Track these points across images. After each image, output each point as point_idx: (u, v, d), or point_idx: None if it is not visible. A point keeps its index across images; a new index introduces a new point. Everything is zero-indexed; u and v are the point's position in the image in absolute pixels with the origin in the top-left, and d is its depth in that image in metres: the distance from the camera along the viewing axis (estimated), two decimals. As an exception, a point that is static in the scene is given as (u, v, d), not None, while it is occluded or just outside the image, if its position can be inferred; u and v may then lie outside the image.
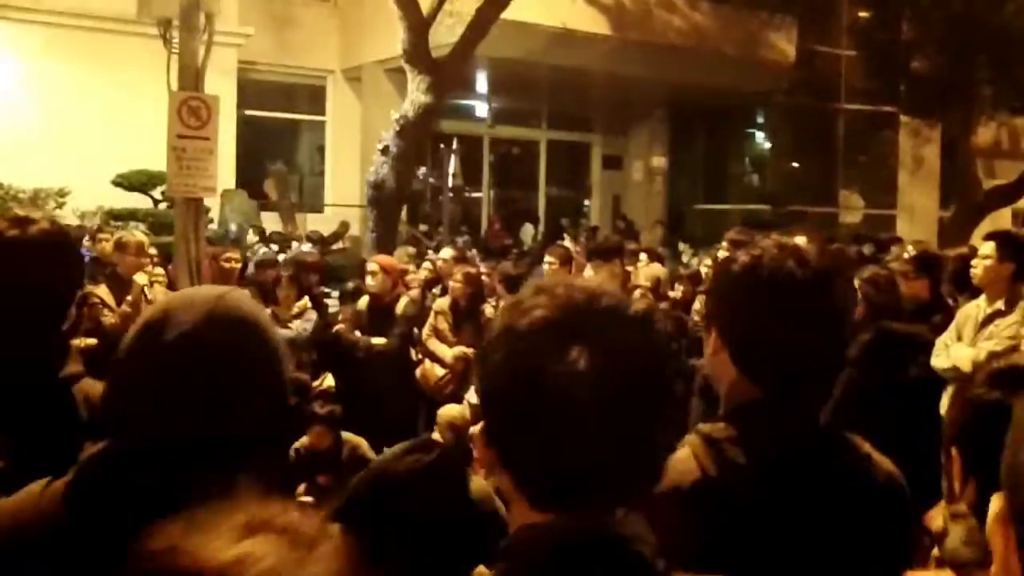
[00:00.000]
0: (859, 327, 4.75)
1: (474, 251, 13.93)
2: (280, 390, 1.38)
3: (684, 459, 1.62)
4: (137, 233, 7.56)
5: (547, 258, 7.22)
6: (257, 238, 11.55)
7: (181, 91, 9.58)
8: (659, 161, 22.05)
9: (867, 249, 10.88)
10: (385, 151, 10.88)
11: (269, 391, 1.36)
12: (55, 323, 2.17)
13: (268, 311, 1.49)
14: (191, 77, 9.64)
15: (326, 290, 10.32)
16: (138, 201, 14.57)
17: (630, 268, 6.93)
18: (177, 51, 9.72)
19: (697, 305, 6.27)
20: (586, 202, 23.03)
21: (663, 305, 6.66)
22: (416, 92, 10.79)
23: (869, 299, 4.74)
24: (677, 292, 7.37)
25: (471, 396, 5.60)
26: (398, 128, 10.78)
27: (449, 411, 4.62)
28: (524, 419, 1.11)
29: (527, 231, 20.48)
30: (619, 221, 20.92)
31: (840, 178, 20.96)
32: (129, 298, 6.89)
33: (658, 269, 7.70)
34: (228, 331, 1.34)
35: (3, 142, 14.31)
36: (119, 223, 14.51)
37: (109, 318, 6.77)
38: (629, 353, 1.12)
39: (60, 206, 15.02)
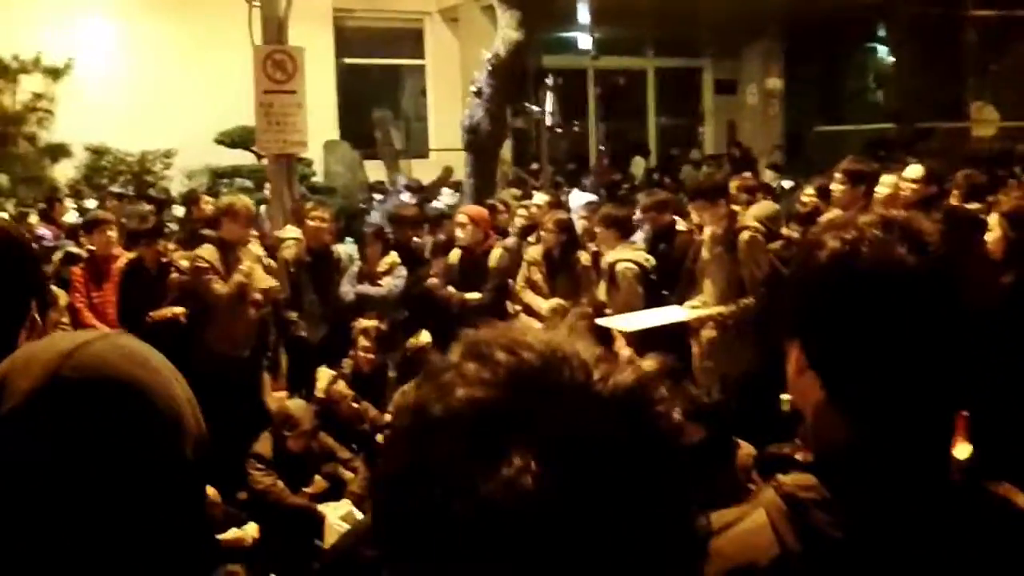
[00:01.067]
0: (999, 269, 4.13)
1: (602, 191, 13.36)
2: (163, 478, 0.98)
3: (758, 529, 1.18)
4: (245, 198, 7.22)
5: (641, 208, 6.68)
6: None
7: (265, 45, 9.34)
8: (774, 83, 21.07)
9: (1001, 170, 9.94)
10: (479, 93, 10.43)
11: (146, 480, 0.97)
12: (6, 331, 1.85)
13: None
14: (274, 30, 9.38)
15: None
16: (242, 158, 14.54)
17: (738, 208, 6.34)
18: (258, 3, 9.46)
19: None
20: (700, 129, 22.18)
21: (774, 245, 6.06)
22: (506, 28, 10.26)
23: (1009, 237, 4.11)
24: (793, 231, 6.77)
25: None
26: (490, 68, 10.30)
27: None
28: (438, 567, 0.69)
29: (638, 164, 19.79)
30: (734, 148, 20.05)
31: (971, 90, 19.50)
32: (242, 267, 6.49)
33: (769, 207, 7.08)
34: (77, 401, 0.95)
35: (105, 107, 14.42)
36: (225, 180, 14.57)
37: (220, 287, 6.39)
38: (605, 458, 0.69)
39: (167, 167, 15.21)
